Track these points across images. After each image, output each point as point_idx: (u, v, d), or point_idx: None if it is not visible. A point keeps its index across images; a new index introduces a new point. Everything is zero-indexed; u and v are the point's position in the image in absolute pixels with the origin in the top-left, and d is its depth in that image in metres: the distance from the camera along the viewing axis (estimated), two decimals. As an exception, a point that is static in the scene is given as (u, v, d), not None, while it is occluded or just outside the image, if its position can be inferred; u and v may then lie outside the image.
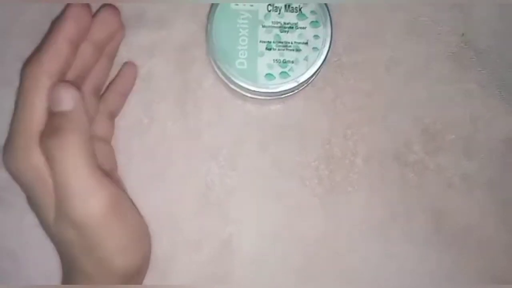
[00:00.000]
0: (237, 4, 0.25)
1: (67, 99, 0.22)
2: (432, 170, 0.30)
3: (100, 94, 0.27)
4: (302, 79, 0.25)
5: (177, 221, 0.29)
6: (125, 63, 0.28)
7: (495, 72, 0.30)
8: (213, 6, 0.25)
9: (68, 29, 0.23)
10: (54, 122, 0.22)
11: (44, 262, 0.27)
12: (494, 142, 0.30)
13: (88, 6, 0.24)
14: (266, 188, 0.29)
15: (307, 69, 0.25)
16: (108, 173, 0.26)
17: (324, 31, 0.25)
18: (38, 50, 0.23)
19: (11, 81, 0.27)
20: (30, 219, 0.25)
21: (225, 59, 0.25)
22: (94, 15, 0.25)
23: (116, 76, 0.28)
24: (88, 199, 0.21)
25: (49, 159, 0.22)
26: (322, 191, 0.29)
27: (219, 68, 0.25)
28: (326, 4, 0.25)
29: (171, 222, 0.28)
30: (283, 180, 0.29)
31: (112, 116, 0.28)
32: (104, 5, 0.27)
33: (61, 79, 0.23)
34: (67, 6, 0.23)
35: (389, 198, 0.29)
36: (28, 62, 0.23)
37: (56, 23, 0.24)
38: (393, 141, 0.30)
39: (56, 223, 0.22)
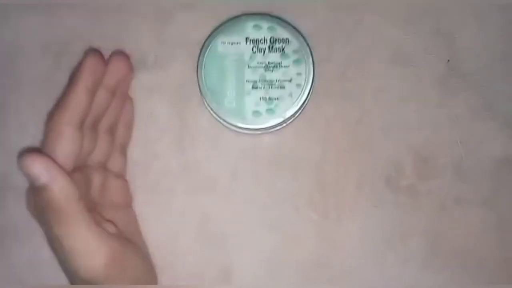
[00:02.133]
0: (224, 48, 0.27)
1: (40, 172, 0.22)
2: (425, 194, 0.30)
3: (112, 132, 0.29)
4: (288, 114, 0.26)
5: (179, 253, 0.30)
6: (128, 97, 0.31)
7: (482, 95, 0.31)
8: (202, 50, 0.27)
9: (86, 79, 0.25)
10: (42, 195, 0.22)
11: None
12: (485, 163, 0.30)
13: (102, 55, 0.27)
14: (262, 217, 0.30)
15: (292, 105, 0.26)
16: (125, 207, 0.28)
17: (306, 69, 0.26)
18: (59, 101, 0.26)
19: (25, 126, 0.29)
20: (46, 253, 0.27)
21: (214, 99, 0.26)
22: (107, 62, 0.28)
23: (122, 107, 0.30)
24: (90, 259, 0.23)
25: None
26: (317, 217, 0.30)
27: (209, 107, 0.27)
28: (307, 43, 0.27)
29: (173, 254, 0.30)
30: (278, 208, 0.30)
31: (124, 149, 0.30)
32: (115, 52, 0.29)
33: (82, 126, 0.25)
34: (84, 57, 0.26)
35: (383, 222, 0.30)
36: (51, 114, 0.26)
37: (73, 74, 0.26)
38: (385, 166, 0.31)
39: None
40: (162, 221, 0.30)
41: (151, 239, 0.30)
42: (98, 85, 0.26)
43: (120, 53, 0.29)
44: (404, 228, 0.30)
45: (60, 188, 0.22)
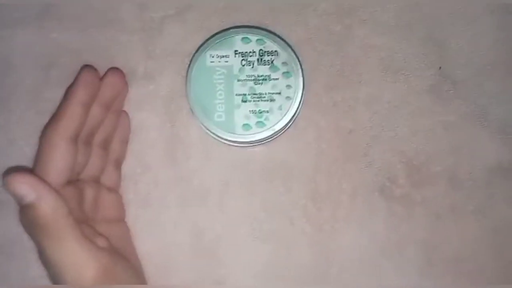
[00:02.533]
0: (212, 61, 0.26)
1: (26, 192, 0.22)
2: (419, 203, 0.30)
3: (107, 147, 0.29)
4: (278, 127, 0.26)
5: (171, 265, 0.30)
6: (121, 113, 0.30)
7: (474, 102, 0.31)
8: (190, 64, 0.27)
9: (81, 94, 0.26)
10: (28, 214, 0.22)
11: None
12: (478, 170, 0.30)
13: (97, 71, 0.28)
14: (255, 229, 0.30)
15: (282, 118, 0.26)
16: (117, 221, 0.28)
17: (296, 81, 0.26)
18: (54, 115, 0.26)
19: (14, 141, 0.29)
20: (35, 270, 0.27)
21: (203, 113, 0.26)
22: (102, 78, 0.28)
23: (117, 122, 0.30)
24: (79, 273, 0.23)
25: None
26: (311, 229, 0.30)
27: (199, 121, 0.26)
28: (296, 55, 0.26)
29: (166, 267, 0.30)
30: (271, 220, 0.30)
31: (118, 164, 0.30)
32: (110, 68, 0.29)
33: (76, 140, 0.25)
34: (79, 73, 0.27)
35: (377, 232, 0.30)
36: (46, 128, 0.26)
37: (68, 89, 0.27)
38: (378, 176, 0.30)
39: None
40: (154, 234, 0.30)
41: (143, 252, 0.29)
42: (93, 100, 0.27)
43: (115, 69, 0.29)
44: (399, 237, 0.30)
45: (47, 205, 0.22)
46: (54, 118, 0.25)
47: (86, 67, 0.26)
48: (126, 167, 0.31)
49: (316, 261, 0.30)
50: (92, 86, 0.26)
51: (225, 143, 0.28)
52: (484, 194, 0.30)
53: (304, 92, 0.25)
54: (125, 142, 0.30)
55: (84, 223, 0.25)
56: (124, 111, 0.30)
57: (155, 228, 0.30)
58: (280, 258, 0.30)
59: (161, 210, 0.30)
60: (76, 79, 0.26)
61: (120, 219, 0.29)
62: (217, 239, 0.30)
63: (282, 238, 0.30)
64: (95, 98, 0.27)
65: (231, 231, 0.30)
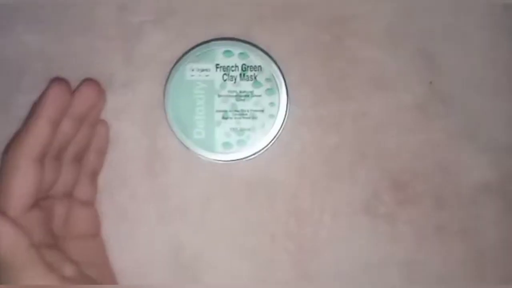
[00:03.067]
0: (192, 75, 0.25)
1: None
2: (404, 221, 0.30)
3: (81, 159, 0.28)
4: (260, 146, 0.25)
5: (148, 283, 0.29)
6: (100, 122, 0.29)
7: (464, 121, 0.30)
8: (169, 77, 0.25)
9: (49, 110, 0.24)
10: None
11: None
12: (465, 190, 0.30)
13: (67, 84, 0.25)
14: (235, 246, 0.29)
15: (264, 136, 0.25)
16: (92, 236, 0.27)
17: (279, 98, 0.25)
18: (19, 133, 0.24)
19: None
20: None
21: (182, 129, 0.25)
22: (74, 90, 0.26)
23: (93, 135, 0.28)
24: None
25: None
26: (292, 247, 0.29)
27: (177, 137, 0.25)
28: (281, 70, 0.25)
29: (141, 284, 0.29)
30: (252, 237, 0.29)
31: (94, 176, 0.28)
32: (84, 80, 0.28)
33: (43, 159, 0.24)
34: (47, 87, 0.24)
35: (360, 252, 0.29)
36: (10, 146, 0.24)
37: (36, 104, 0.25)
38: (363, 193, 0.30)
39: None
40: (130, 250, 0.29)
41: (119, 268, 0.28)
42: (62, 115, 0.25)
43: (89, 81, 0.27)
44: (382, 257, 0.29)
45: (5, 241, 0.21)
46: (19, 136, 0.24)
47: (56, 80, 0.25)
48: (102, 179, 0.29)
49: (297, 280, 0.29)
50: (61, 101, 0.24)
51: (205, 160, 0.27)
52: (470, 214, 0.30)
53: (288, 109, 0.24)
54: (102, 153, 0.29)
55: (52, 246, 0.24)
56: (103, 121, 0.29)
57: (131, 244, 0.29)
58: (261, 276, 0.29)
59: (138, 225, 0.29)
60: (44, 93, 0.24)
61: (94, 234, 0.28)
62: (196, 256, 0.29)
63: (263, 255, 0.29)
64: (65, 113, 0.25)
65: (211, 248, 0.29)
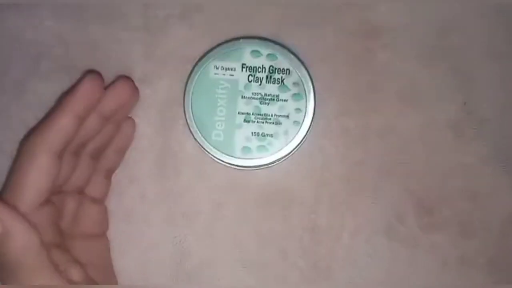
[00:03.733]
0: (216, 73, 0.24)
1: None
2: (426, 247, 0.28)
3: (99, 156, 0.26)
4: (281, 154, 0.23)
5: (150, 286, 0.27)
6: (127, 120, 0.27)
7: (498, 145, 0.28)
8: (192, 74, 0.24)
9: (77, 105, 0.22)
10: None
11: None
12: (494, 220, 0.28)
13: (101, 79, 0.24)
14: (244, 259, 0.27)
15: (287, 144, 0.23)
16: (98, 236, 0.26)
17: (306, 105, 0.23)
18: (42, 122, 0.23)
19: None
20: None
21: (201, 130, 0.24)
22: (107, 86, 0.25)
23: (116, 133, 0.27)
24: None
25: None
26: (305, 264, 0.27)
27: (194, 138, 0.24)
28: (310, 76, 0.24)
29: (142, 284, 0.27)
30: (263, 250, 0.28)
31: (109, 174, 0.27)
32: (119, 77, 0.26)
33: (62, 154, 0.22)
34: (80, 80, 0.23)
35: (376, 276, 0.27)
36: (30, 136, 0.23)
37: (65, 95, 0.23)
38: (384, 214, 0.28)
39: None
40: (135, 251, 0.28)
41: (120, 269, 0.27)
42: (90, 112, 0.23)
43: (124, 79, 0.26)
44: (400, 283, 0.27)
45: (17, 240, 0.20)
46: (41, 128, 0.22)
47: (89, 74, 0.23)
48: (112, 176, 0.28)
49: (307, 300, 0.27)
50: (92, 98, 0.23)
51: (221, 164, 0.25)
52: (498, 246, 0.28)
53: (314, 118, 0.22)
54: (122, 152, 0.27)
55: (60, 245, 0.23)
56: (130, 119, 0.28)
57: (136, 245, 0.28)
58: (269, 293, 0.27)
59: (144, 226, 0.28)
60: (75, 86, 0.23)
61: (101, 234, 0.27)
62: (202, 264, 0.28)
63: (273, 270, 0.28)
64: (94, 109, 0.24)
65: (218, 258, 0.28)
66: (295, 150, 0.24)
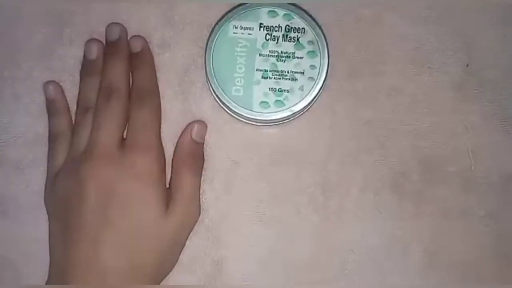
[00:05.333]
0: (235, 33, 0.25)
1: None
2: (430, 201, 0.29)
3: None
4: (297, 108, 0.25)
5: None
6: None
7: (499, 105, 0.30)
8: (212, 33, 0.25)
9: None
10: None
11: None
12: (494, 175, 0.29)
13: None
14: (259, 213, 0.29)
15: (302, 99, 0.25)
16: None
17: (321, 62, 0.25)
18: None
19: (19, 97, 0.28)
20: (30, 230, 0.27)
21: (221, 85, 0.25)
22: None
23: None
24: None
25: None
26: (317, 218, 0.29)
27: (215, 93, 0.25)
28: (324, 35, 0.25)
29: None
30: (277, 205, 0.29)
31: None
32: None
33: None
34: None
35: (384, 228, 0.29)
36: None
37: None
38: (391, 170, 0.29)
39: None
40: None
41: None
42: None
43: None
44: (405, 237, 0.29)
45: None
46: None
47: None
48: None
49: (319, 251, 0.29)
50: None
51: (239, 120, 0.27)
52: (497, 200, 0.29)
53: (328, 74, 0.24)
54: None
55: None
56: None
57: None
58: (283, 245, 0.29)
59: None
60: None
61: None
62: (220, 219, 0.29)
63: (287, 224, 0.29)
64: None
65: (235, 213, 0.29)
66: (310, 105, 0.25)
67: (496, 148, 0.29)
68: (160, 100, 0.28)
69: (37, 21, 0.30)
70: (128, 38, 0.29)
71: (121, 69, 0.27)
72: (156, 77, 0.29)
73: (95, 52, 0.28)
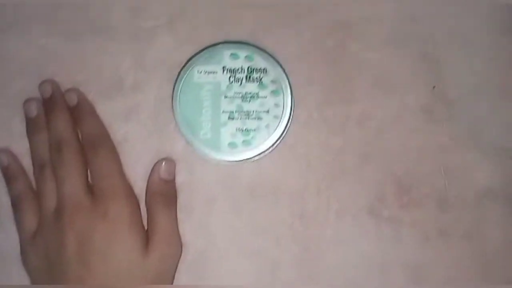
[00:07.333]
0: (200, 78, 0.26)
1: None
2: (408, 224, 0.30)
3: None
4: (264, 147, 0.25)
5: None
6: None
7: (467, 123, 0.30)
8: (177, 80, 0.26)
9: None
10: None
11: None
12: (468, 194, 0.30)
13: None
14: (240, 248, 0.29)
15: (269, 137, 0.25)
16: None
17: (284, 100, 0.25)
18: None
19: None
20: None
21: (189, 129, 0.26)
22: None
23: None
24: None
25: None
26: (297, 248, 0.30)
27: (184, 137, 0.26)
28: (286, 73, 0.26)
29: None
30: (257, 238, 0.30)
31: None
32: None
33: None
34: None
35: (365, 253, 0.29)
36: None
37: None
38: (367, 195, 0.30)
39: None
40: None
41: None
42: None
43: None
44: (387, 259, 0.29)
45: None
46: None
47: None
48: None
49: (301, 281, 0.29)
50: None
51: (211, 160, 0.27)
52: (473, 217, 0.30)
53: (293, 111, 0.25)
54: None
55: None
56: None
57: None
58: (265, 278, 0.29)
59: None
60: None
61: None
62: (201, 255, 0.29)
63: (268, 257, 0.29)
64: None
65: (215, 248, 0.30)
66: (277, 142, 0.26)
67: (467, 166, 0.30)
68: (113, 143, 0.29)
69: (10, 74, 0.30)
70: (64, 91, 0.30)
71: (64, 120, 0.28)
72: (101, 123, 0.29)
73: (34, 109, 0.29)
